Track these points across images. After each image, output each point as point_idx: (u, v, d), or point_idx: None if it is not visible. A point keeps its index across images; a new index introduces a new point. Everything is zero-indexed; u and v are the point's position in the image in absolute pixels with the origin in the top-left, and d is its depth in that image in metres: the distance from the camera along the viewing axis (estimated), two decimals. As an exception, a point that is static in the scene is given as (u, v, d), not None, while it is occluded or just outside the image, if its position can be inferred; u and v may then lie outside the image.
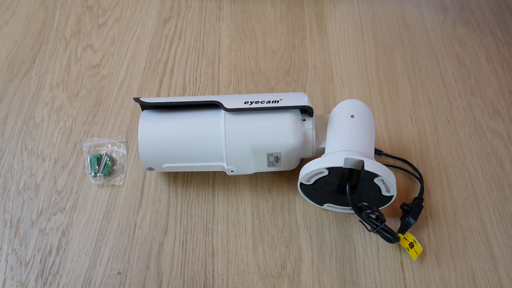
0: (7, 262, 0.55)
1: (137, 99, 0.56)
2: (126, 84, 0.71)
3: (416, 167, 0.61)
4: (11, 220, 0.58)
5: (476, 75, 0.71)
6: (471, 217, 0.58)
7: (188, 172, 0.61)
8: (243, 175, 0.61)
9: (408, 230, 0.55)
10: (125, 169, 0.62)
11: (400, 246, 0.55)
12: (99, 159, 0.62)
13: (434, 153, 0.63)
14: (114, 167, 0.62)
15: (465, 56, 0.73)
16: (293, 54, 0.74)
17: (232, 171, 0.56)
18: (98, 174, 0.61)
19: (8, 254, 0.55)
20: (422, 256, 0.54)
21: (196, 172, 0.61)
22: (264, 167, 0.57)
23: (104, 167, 0.61)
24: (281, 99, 0.55)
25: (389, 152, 0.63)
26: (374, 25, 0.77)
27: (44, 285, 0.53)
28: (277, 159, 0.55)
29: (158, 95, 0.69)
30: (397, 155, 0.62)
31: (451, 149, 0.63)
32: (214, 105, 0.55)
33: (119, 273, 0.54)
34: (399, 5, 0.80)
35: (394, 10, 0.79)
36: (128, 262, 0.55)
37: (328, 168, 0.49)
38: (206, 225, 0.57)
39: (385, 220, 0.51)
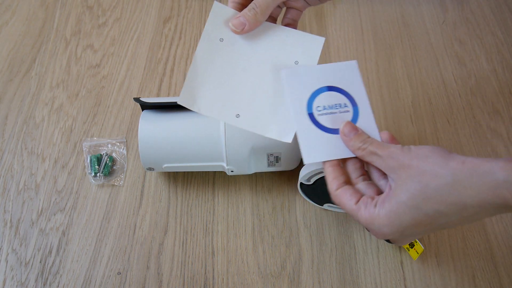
0: (7, 262, 0.55)
1: (137, 99, 0.56)
2: (126, 84, 0.71)
3: (416, 167, 0.61)
4: (11, 220, 0.58)
5: (476, 75, 0.71)
6: (471, 217, 0.57)
7: (188, 172, 0.61)
8: (243, 175, 0.61)
9: (408, 230, 0.55)
10: (125, 169, 0.62)
11: (400, 246, 0.55)
12: (99, 159, 0.62)
13: (434, 153, 0.63)
14: (114, 167, 0.62)
15: (465, 56, 0.73)
16: (293, 54, 0.74)
17: (232, 171, 0.56)
18: (98, 174, 0.61)
19: (8, 254, 0.55)
20: (422, 256, 0.54)
21: (196, 172, 0.61)
22: (264, 167, 0.57)
23: (104, 167, 0.61)
24: (281, 99, 0.54)
25: (389, 152, 0.62)
26: (374, 25, 0.77)
27: (44, 285, 0.53)
28: (277, 159, 0.55)
29: (158, 95, 0.69)
30: (397, 155, 0.62)
31: (451, 149, 0.63)
32: (214, 105, 0.55)
33: (119, 273, 0.54)
34: (399, 5, 0.80)
35: (394, 10, 0.79)
36: (128, 262, 0.55)
37: (328, 168, 0.49)
38: (206, 225, 0.57)
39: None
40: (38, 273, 0.54)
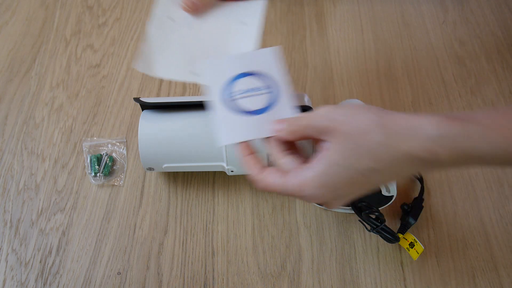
0: (7, 262, 0.55)
1: (137, 99, 0.56)
2: (126, 84, 0.71)
3: (416, 167, 0.61)
4: (11, 220, 0.58)
5: (476, 75, 0.71)
6: (471, 217, 0.58)
7: (188, 172, 0.61)
8: (243, 175, 0.61)
9: (408, 230, 0.55)
10: (125, 169, 0.62)
11: (400, 246, 0.55)
12: (99, 159, 0.62)
13: (434, 153, 0.63)
14: (114, 167, 0.62)
15: (465, 56, 0.73)
16: (293, 54, 0.74)
17: (232, 171, 0.56)
18: (98, 174, 0.61)
19: (8, 254, 0.55)
20: (422, 256, 0.54)
21: (196, 172, 0.61)
22: (264, 167, 0.57)
23: (104, 167, 0.61)
24: (281, 99, 0.54)
25: (389, 152, 0.62)
26: (374, 25, 0.77)
27: (44, 285, 0.53)
28: (277, 159, 0.55)
29: (158, 95, 0.69)
30: (397, 155, 0.62)
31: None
32: (214, 105, 0.55)
33: (119, 273, 0.54)
34: (399, 5, 0.80)
35: (394, 10, 0.79)
36: (128, 262, 0.55)
37: (328, 168, 0.49)
38: (206, 225, 0.57)
39: (384, 220, 0.51)
40: (38, 273, 0.54)
